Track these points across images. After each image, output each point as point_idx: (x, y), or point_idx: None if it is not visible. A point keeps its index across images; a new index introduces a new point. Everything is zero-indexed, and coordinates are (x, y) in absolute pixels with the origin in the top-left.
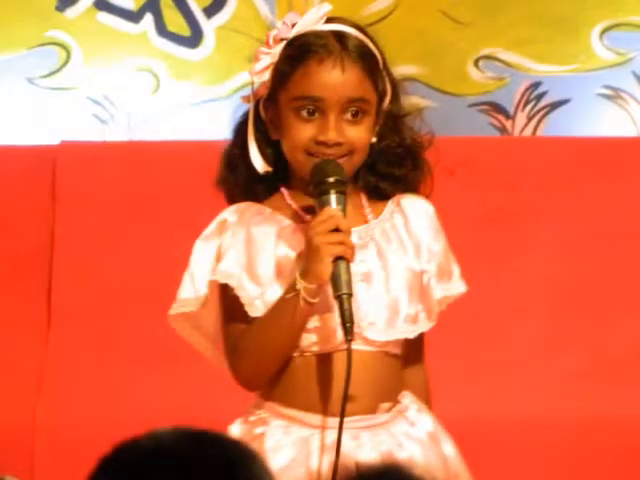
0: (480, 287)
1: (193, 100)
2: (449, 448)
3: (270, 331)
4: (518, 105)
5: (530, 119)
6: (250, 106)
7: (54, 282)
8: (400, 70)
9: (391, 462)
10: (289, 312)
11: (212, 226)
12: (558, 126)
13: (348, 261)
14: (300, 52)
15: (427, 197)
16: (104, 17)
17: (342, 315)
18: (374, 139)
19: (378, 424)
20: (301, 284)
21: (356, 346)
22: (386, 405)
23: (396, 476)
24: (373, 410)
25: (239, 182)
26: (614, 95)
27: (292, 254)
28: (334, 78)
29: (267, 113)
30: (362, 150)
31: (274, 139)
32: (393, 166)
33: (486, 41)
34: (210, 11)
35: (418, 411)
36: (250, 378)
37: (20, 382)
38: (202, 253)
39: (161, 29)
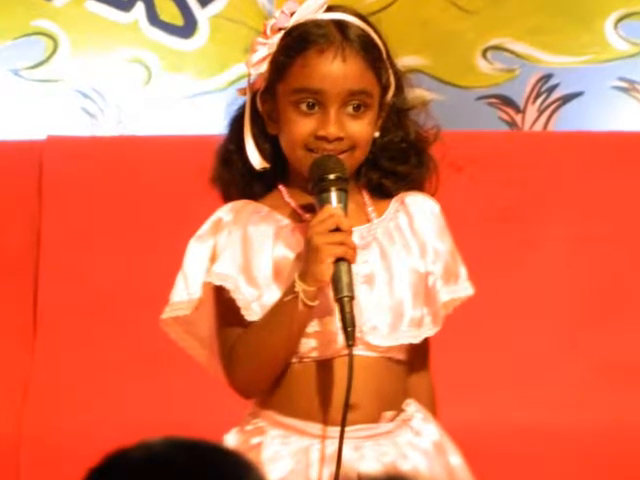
0: (488, 289)
1: (186, 93)
2: (455, 458)
3: (267, 336)
4: (528, 98)
5: (541, 113)
6: (246, 99)
7: (40, 284)
8: (404, 61)
9: (395, 473)
10: (287, 316)
11: (206, 225)
12: (570, 120)
13: (349, 262)
14: (299, 42)
15: (433, 195)
16: (93, 5)
17: (343, 319)
18: (377, 134)
19: (381, 434)
20: (300, 286)
21: (358, 351)
22: (389, 414)
23: None
24: (376, 419)
25: (235, 179)
26: (629, 87)
27: (291, 255)
28: (335, 69)
29: (264, 107)
30: (364, 145)
31: (272, 134)
32: (397, 162)
33: (495, 31)
34: None
35: (423, 420)
36: (247, 385)
37: (5, 390)
38: (196, 254)
39: (153, 18)
